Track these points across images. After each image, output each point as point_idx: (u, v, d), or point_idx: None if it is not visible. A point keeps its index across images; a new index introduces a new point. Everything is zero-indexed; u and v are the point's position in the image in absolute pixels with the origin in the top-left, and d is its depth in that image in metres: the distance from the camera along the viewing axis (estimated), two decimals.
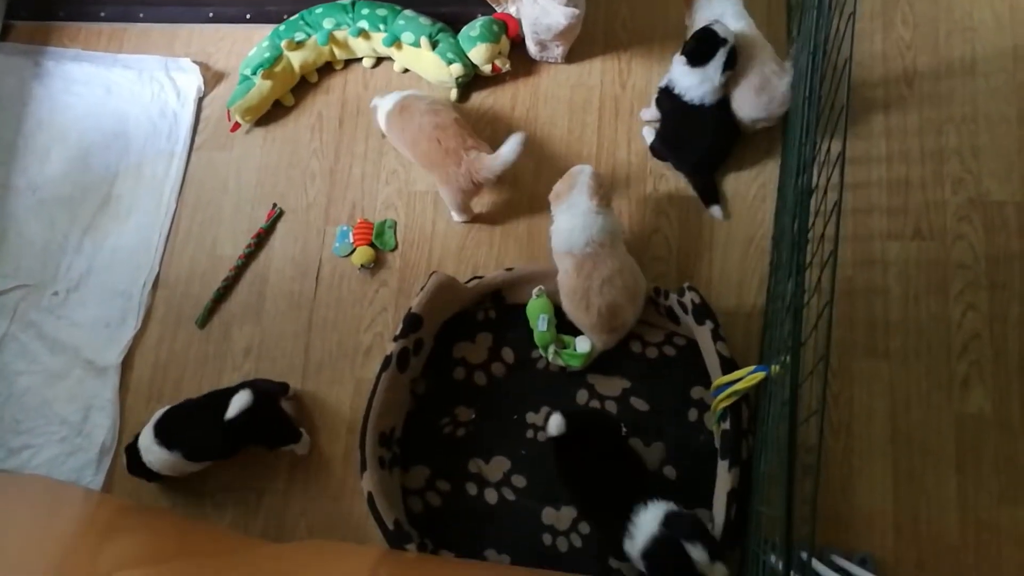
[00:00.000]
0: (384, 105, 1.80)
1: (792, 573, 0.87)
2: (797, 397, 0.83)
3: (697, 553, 1.26)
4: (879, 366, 1.58)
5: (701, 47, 1.63)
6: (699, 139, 1.72)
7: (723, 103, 1.70)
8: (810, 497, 0.91)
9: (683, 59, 1.66)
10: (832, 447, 1.55)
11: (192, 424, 1.63)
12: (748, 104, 1.68)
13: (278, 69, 1.89)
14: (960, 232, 1.65)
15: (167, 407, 1.65)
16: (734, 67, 1.65)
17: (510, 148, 1.61)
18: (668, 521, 1.31)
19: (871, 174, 1.71)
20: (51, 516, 1.45)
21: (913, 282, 1.63)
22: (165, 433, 1.60)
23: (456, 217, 1.80)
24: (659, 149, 1.78)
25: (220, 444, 1.62)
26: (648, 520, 1.33)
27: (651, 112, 1.79)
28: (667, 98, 1.72)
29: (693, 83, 1.65)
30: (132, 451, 1.64)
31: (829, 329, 0.88)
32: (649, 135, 1.80)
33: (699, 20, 1.70)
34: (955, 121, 1.73)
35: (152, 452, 1.60)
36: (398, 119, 1.76)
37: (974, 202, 1.67)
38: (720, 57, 1.62)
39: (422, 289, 1.60)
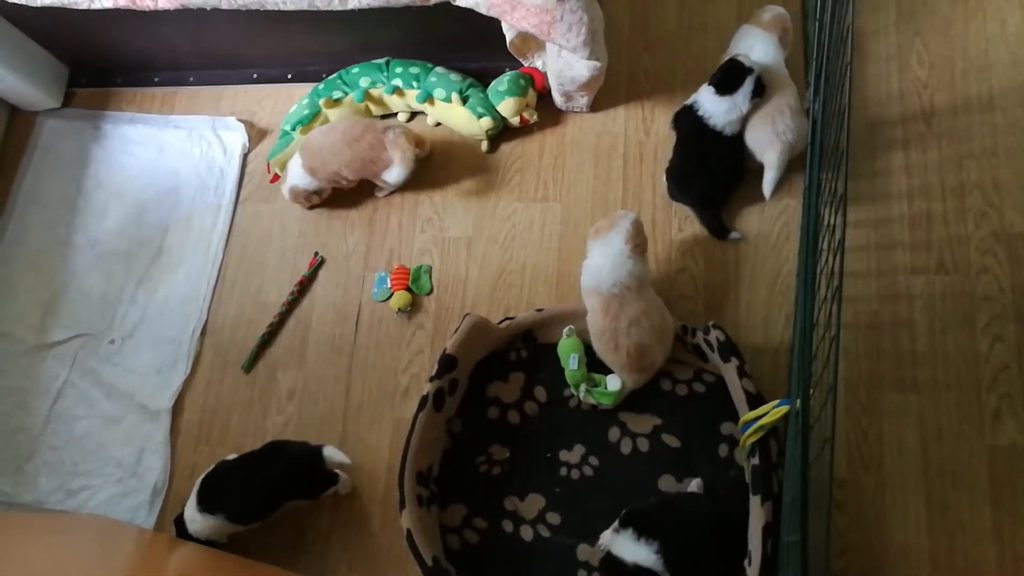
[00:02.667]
0: (292, 169, 1.94)
1: None
2: (809, 433, 0.87)
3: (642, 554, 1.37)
4: (908, 399, 1.60)
5: (728, 76, 1.71)
6: (710, 168, 1.77)
7: (739, 139, 1.76)
8: (824, 529, 0.94)
9: (711, 89, 1.73)
10: (864, 481, 1.56)
11: (232, 486, 1.66)
12: (762, 142, 1.73)
13: (316, 125, 2.01)
14: (984, 265, 1.67)
15: (203, 475, 1.68)
16: (762, 95, 1.72)
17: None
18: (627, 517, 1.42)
19: (892, 211, 1.74)
20: (109, 554, 1.52)
21: (939, 315, 1.65)
22: (206, 499, 1.63)
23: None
24: (671, 187, 1.84)
25: (262, 503, 1.66)
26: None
27: None
28: (687, 118, 1.78)
29: (720, 110, 1.73)
30: (179, 524, 1.68)
31: (836, 362, 0.92)
32: (667, 178, 1.86)
33: (731, 54, 1.79)
34: (975, 156, 1.76)
35: (195, 522, 1.63)
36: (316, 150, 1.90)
37: (998, 235, 1.69)
38: (748, 86, 1.69)
39: (456, 331, 1.67)
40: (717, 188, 1.80)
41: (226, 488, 1.65)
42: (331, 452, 1.67)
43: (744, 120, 1.74)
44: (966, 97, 1.82)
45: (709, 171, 1.78)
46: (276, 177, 2.07)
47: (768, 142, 1.72)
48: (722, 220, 1.80)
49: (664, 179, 1.86)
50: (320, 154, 1.90)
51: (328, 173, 1.91)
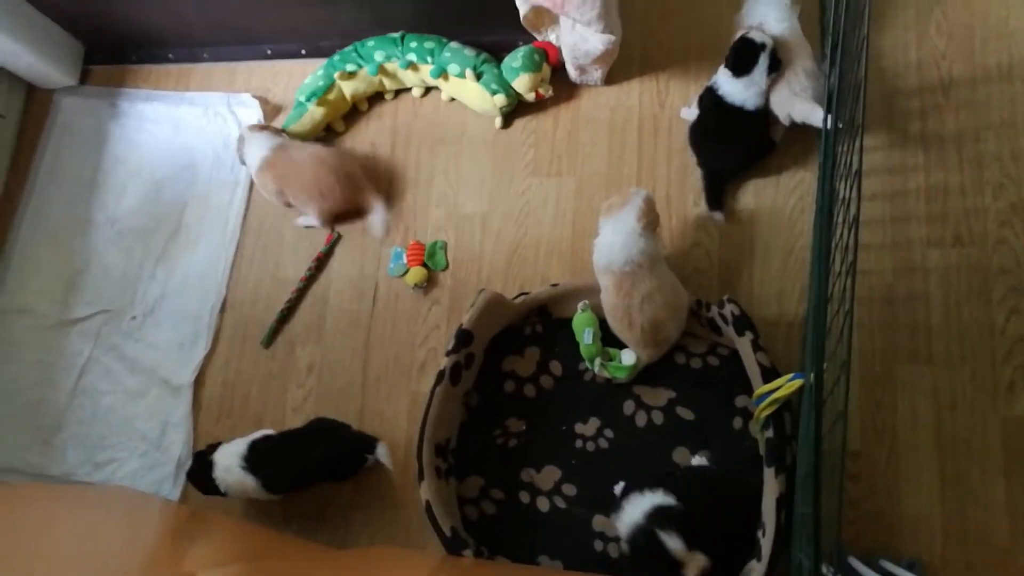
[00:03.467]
0: (258, 149, 1.97)
1: (825, 570, 0.92)
2: (822, 407, 0.88)
3: (672, 543, 1.34)
4: (922, 371, 1.61)
5: (741, 58, 1.71)
6: (732, 143, 1.77)
7: (763, 112, 1.75)
8: (836, 501, 0.96)
9: (728, 72, 1.72)
10: (877, 452, 1.58)
11: (279, 458, 1.69)
12: (785, 103, 1.72)
13: (331, 97, 2.01)
14: (1002, 237, 1.66)
15: (253, 437, 1.73)
16: (778, 68, 1.71)
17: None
18: (652, 514, 1.39)
19: (908, 183, 1.73)
20: (136, 524, 1.57)
21: (955, 288, 1.65)
22: (252, 460, 1.67)
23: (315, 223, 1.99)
24: (691, 139, 1.84)
25: (300, 480, 1.72)
26: (635, 509, 1.41)
27: (691, 112, 1.85)
28: (709, 96, 1.78)
29: (738, 88, 1.72)
30: (203, 462, 1.72)
31: (850, 337, 0.93)
32: (688, 114, 1.87)
33: (744, 22, 1.78)
34: (994, 127, 1.74)
35: (230, 472, 1.67)
36: (279, 160, 1.95)
37: (1015, 207, 1.68)
38: (763, 63, 1.69)
39: (472, 306, 1.68)
40: (737, 161, 1.80)
41: (273, 458, 1.69)
42: (382, 452, 1.69)
43: (766, 93, 1.73)
44: (985, 67, 1.79)
45: (730, 145, 1.78)
46: None
47: (787, 102, 1.71)
48: (724, 193, 1.80)
49: (682, 115, 1.87)
50: (300, 181, 1.95)
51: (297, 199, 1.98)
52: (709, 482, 1.54)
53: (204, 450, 1.75)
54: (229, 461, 1.69)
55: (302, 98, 2.03)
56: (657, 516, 1.40)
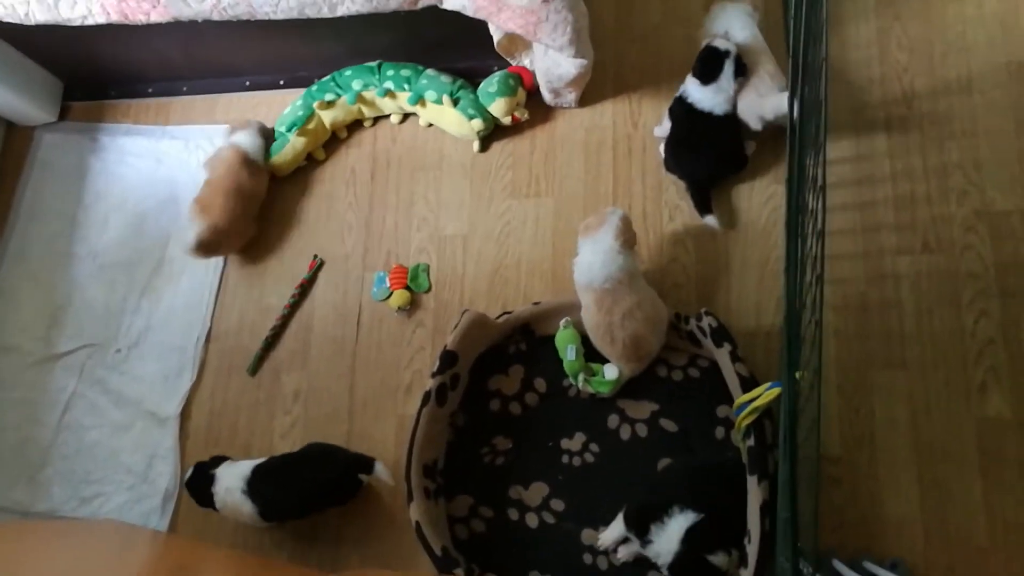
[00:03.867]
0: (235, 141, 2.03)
1: (804, 570, 0.94)
2: (797, 415, 0.91)
3: (719, 560, 1.34)
4: (897, 376, 1.64)
5: (708, 65, 1.77)
6: (704, 148, 1.81)
7: (732, 117, 1.80)
8: (814, 503, 0.98)
9: (695, 80, 1.78)
10: (857, 458, 1.61)
11: (276, 487, 1.68)
12: (753, 106, 1.78)
13: (311, 127, 2.04)
14: (968, 243, 1.71)
15: (257, 462, 1.72)
16: (745, 74, 1.77)
17: None
18: (689, 537, 1.39)
19: (876, 193, 1.79)
20: (126, 556, 1.57)
21: (925, 294, 1.70)
22: (253, 487, 1.67)
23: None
24: (668, 159, 1.88)
25: (297, 508, 1.72)
26: (670, 536, 1.41)
27: (663, 129, 1.90)
28: (679, 105, 1.83)
29: (707, 95, 1.78)
30: (204, 475, 1.72)
31: (821, 344, 0.96)
32: (660, 131, 1.91)
33: (709, 32, 1.84)
34: (956, 137, 1.80)
35: (231, 494, 1.67)
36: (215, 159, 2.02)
37: (980, 213, 1.73)
38: (728, 68, 1.75)
39: (455, 327, 1.71)
40: (711, 166, 1.83)
41: (273, 483, 1.69)
42: (381, 470, 1.68)
43: (734, 99, 1.78)
44: (946, 80, 1.85)
45: (703, 151, 1.82)
46: (274, 177, 2.10)
47: (756, 105, 1.77)
48: (710, 199, 1.83)
49: (662, 150, 1.90)
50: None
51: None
52: (705, 473, 1.56)
53: (207, 462, 1.74)
54: (231, 483, 1.68)
55: (283, 129, 2.06)
56: (694, 539, 1.40)
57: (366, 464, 1.70)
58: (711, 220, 1.82)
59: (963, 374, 1.62)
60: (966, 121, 1.81)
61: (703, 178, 1.84)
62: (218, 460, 1.75)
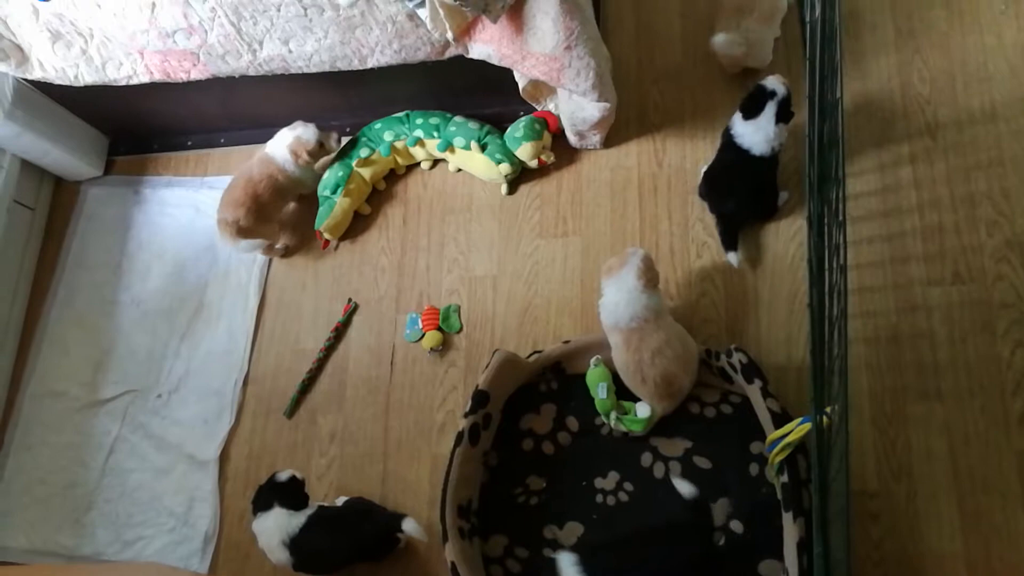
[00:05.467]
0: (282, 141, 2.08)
1: None
2: (829, 450, 0.92)
3: None
4: (933, 408, 1.63)
5: (752, 101, 1.77)
6: (737, 185, 1.82)
7: (770, 161, 1.79)
8: (844, 540, 0.98)
9: (739, 114, 1.80)
10: (895, 491, 1.59)
11: (315, 541, 1.68)
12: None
13: (352, 186, 2.10)
14: (1000, 273, 1.70)
15: (308, 517, 1.70)
16: (788, 120, 1.76)
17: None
18: None
19: (904, 224, 1.79)
20: None
21: (958, 324, 1.68)
22: (296, 541, 1.68)
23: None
24: (702, 186, 1.90)
25: (330, 566, 1.74)
26: None
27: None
28: (725, 136, 1.84)
29: (748, 131, 1.78)
30: (264, 500, 1.73)
31: (846, 377, 0.97)
32: (701, 178, 1.93)
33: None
34: (982, 167, 1.80)
35: (271, 541, 1.69)
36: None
37: (1010, 242, 1.72)
38: (770, 110, 1.74)
39: (487, 367, 1.73)
40: (739, 204, 1.84)
41: (309, 543, 1.68)
42: (411, 527, 1.67)
43: (775, 142, 1.77)
44: (969, 110, 1.86)
45: (735, 187, 1.83)
46: (327, 243, 2.16)
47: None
48: (736, 236, 1.84)
49: (700, 177, 1.92)
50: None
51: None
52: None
53: (268, 487, 1.75)
54: (273, 531, 1.69)
55: (327, 193, 2.11)
56: None
57: (397, 520, 1.69)
58: (732, 257, 1.83)
59: (1001, 405, 1.60)
60: (992, 150, 1.81)
61: (729, 214, 1.85)
62: (277, 485, 1.74)
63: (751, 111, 1.77)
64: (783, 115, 1.75)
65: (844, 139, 1.12)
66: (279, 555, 1.69)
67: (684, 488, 1.59)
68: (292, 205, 2.21)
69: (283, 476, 1.75)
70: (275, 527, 1.69)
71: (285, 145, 2.06)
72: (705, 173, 1.90)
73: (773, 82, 1.76)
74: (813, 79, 1.14)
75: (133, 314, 2.24)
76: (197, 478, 2.01)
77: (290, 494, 1.73)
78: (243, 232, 2.07)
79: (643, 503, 1.67)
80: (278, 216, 2.16)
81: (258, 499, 1.74)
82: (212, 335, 2.17)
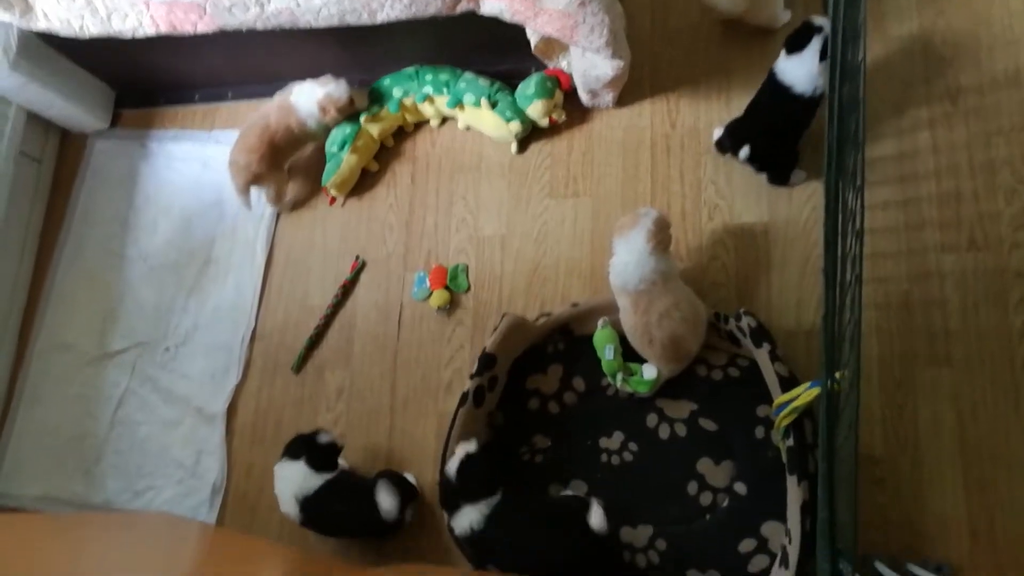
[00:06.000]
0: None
1: (845, 572, 0.94)
2: (836, 416, 0.91)
3: None
4: (941, 374, 1.62)
5: (798, 35, 1.70)
6: (770, 121, 1.77)
7: (810, 104, 1.71)
8: (852, 505, 0.98)
9: (783, 50, 1.73)
10: (900, 458, 1.59)
11: (327, 506, 1.71)
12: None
13: (360, 142, 2.07)
14: (1017, 241, 1.68)
15: (323, 480, 1.71)
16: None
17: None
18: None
19: (920, 190, 1.76)
20: (178, 548, 1.62)
21: (971, 292, 1.66)
22: (309, 502, 1.70)
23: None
24: (723, 137, 1.83)
25: (333, 532, 1.77)
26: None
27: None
28: (768, 75, 1.76)
29: (791, 66, 1.71)
30: (296, 449, 1.74)
31: (859, 344, 0.96)
32: (717, 133, 1.86)
33: None
34: (1004, 132, 1.76)
35: (285, 492, 1.71)
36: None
37: None
38: (815, 44, 1.67)
39: (495, 330, 1.73)
40: (772, 140, 1.78)
41: (322, 506, 1.71)
42: (408, 514, 1.71)
43: (816, 82, 1.69)
44: (992, 74, 1.82)
45: (768, 124, 1.77)
46: (334, 200, 2.14)
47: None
48: (784, 169, 1.80)
49: (713, 134, 1.87)
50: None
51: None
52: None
53: (308, 438, 1.75)
54: (287, 489, 1.71)
55: (334, 149, 2.09)
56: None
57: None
58: (796, 178, 1.81)
59: (1011, 374, 1.59)
60: (1015, 116, 1.77)
61: (756, 150, 1.78)
62: (306, 447, 1.73)
63: (796, 46, 1.70)
64: (827, 53, 1.69)
65: (865, 102, 1.09)
66: (289, 507, 1.71)
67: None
68: (307, 151, 2.19)
69: (324, 438, 1.75)
70: (294, 479, 1.71)
71: (315, 100, 2.02)
72: (730, 123, 1.83)
73: (820, 19, 1.70)
74: (835, 40, 1.11)
75: (140, 269, 2.24)
76: (205, 431, 2.03)
77: (321, 456, 1.73)
78: (255, 178, 2.06)
79: (647, 463, 1.68)
80: (289, 163, 2.15)
81: (292, 445, 1.75)
82: (219, 290, 2.17)
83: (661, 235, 1.63)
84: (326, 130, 2.11)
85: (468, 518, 1.57)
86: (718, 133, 1.86)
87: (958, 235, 1.71)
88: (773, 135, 1.78)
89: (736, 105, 1.91)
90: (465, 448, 1.62)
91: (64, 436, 2.11)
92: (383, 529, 1.71)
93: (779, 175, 1.83)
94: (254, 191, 2.13)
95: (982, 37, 1.86)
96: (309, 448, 1.73)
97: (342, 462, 1.80)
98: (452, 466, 1.61)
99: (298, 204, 2.19)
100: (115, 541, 1.52)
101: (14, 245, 2.27)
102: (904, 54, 1.89)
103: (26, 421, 2.15)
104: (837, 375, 1.07)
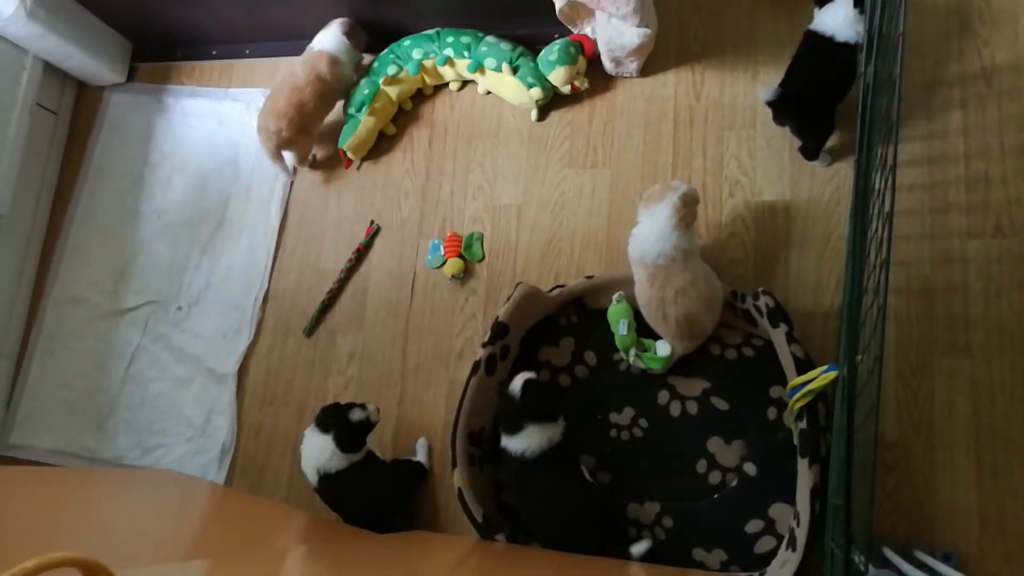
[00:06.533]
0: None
1: (857, 559, 0.93)
2: (854, 401, 0.89)
3: None
4: (960, 362, 1.60)
5: None
6: (815, 75, 1.69)
7: (852, 51, 1.65)
8: (869, 491, 0.97)
9: (815, 7, 1.70)
10: (913, 443, 1.57)
11: (342, 488, 1.71)
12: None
13: (378, 104, 2.04)
14: None
15: (347, 465, 1.69)
16: (863, 10, 1.62)
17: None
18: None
19: (948, 173, 1.72)
20: (187, 506, 1.63)
21: (995, 279, 1.63)
22: (324, 486, 1.70)
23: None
24: (779, 93, 1.72)
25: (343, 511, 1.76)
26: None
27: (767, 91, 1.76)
28: (804, 39, 1.71)
29: (827, 17, 1.67)
30: (325, 422, 1.70)
31: (882, 331, 0.94)
32: (764, 94, 1.74)
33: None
34: None
35: (310, 464, 1.69)
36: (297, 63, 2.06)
37: None
38: None
39: (508, 299, 1.71)
40: (807, 91, 1.69)
41: (337, 487, 1.71)
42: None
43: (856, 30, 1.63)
44: None
45: (811, 80, 1.69)
46: (350, 162, 2.12)
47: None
48: (821, 136, 1.75)
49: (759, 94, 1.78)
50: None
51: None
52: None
53: (340, 412, 1.71)
54: (310, 458, 1.70)
55: (352, 111, 2.06)
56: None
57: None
58: (821, 162, 1.78)
59: None
60: None
61: (793, 104, 1.70)
62: (336, 421, 1.69)
63: None
64: (859, 2, 1.63)
65: (901, 80, 1.05)
66: (311, 474, 1.70)
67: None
68: (335, 108, 2.15)
69: (357, 415, 1.69)
70: (319, 453, 1.68)
71: (341, 32, 2.02)
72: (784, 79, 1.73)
73: None
74: (872, 16, 1.07)
75: (154, 225, 2.24)
76: (216, 391, 2.04)
77: (349, 434, 1.68)
78: (285, 143, 2.03)
79: (657, 440, 1.68)
80: (318, 128, 2.11)
81: (323, 416, 1.71)
82: (233, 250, 2.17)
83: (686, 211, 1.58)
84: (358, 65, 2.09)
85: (527, 441, 1.57)
86: (764, 94, 1.74)
87: (984, 220, 1.68)
88: (820, 89, 1.70)
89: (763, 78, 1.87)
90: (525, 374, 1.62)
91: (77, 389, 2.13)
92: (392, 527, 1.71)
93: (814, 143, 1.77)
94: (286, 155, 2.09)
95: (1021, 15, 1.80)
96: (339, 423, 1.68)
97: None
98: (516, 384, 1.61)
99: (316, 165, 2.17)
100: (128, 497, 1.54)
101: (30, 196, 2.26)
102: (937, 29, 1.83)
103: (40, 373, 2.17)
104: (857, 359, 1.05)
